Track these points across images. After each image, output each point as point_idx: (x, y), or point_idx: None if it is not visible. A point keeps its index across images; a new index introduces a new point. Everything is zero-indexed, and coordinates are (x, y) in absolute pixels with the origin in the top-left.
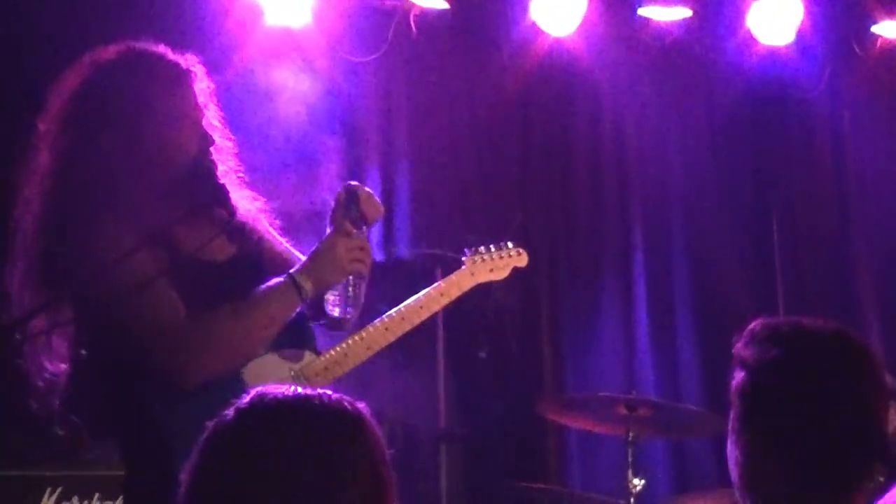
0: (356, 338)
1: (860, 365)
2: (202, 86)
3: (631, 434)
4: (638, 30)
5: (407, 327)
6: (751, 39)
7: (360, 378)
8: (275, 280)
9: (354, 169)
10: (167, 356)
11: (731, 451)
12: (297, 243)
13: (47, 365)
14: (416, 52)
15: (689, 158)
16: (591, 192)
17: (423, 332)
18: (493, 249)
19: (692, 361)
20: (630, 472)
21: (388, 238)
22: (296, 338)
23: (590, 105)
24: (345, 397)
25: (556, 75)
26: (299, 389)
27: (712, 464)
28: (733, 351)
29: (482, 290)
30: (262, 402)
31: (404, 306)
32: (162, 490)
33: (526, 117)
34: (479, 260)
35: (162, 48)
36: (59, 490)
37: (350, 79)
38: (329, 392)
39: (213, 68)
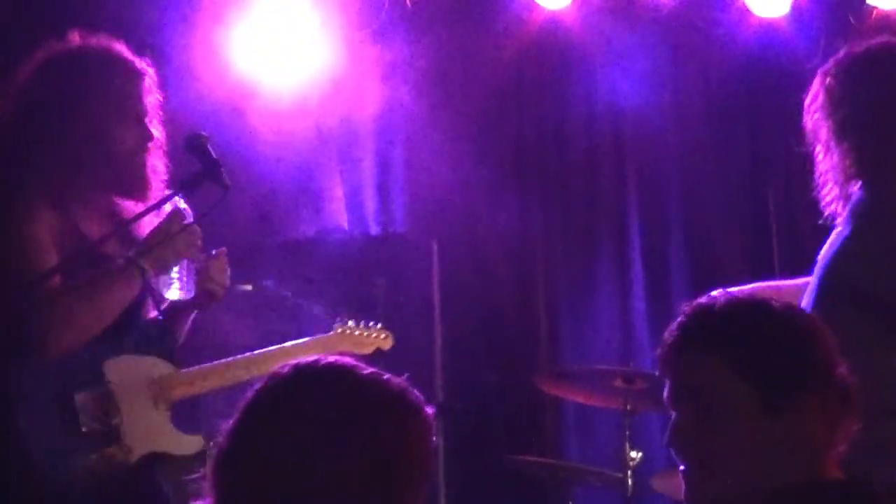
0: (220, 364)
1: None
2: (151, 92)
3: (628, 407)
4: (633, 2)
5: (265, 370)
6: (746, 12)
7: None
8: (117, 264)
9: (349, 146)
10: (32, 329)
11: None
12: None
13: None
14: (411, 27)
15: (685, 130)
16: (587, 164)
17: (419, 305)
18: (361, 325)
19: None
20: (627, 445)
21: (384, 213)
22: (161, 349)
23: (585, 77)
24: (413, 390)
25: (551, 49)
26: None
27: None
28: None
29: (478, 262)
30: (316, 364)
31: (272, 349)
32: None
33: (521, 90)
34: (348, 331)
35: (119, 46)
36: None
37: (345, 54)
38: (399, 379)
39: (205, 48)
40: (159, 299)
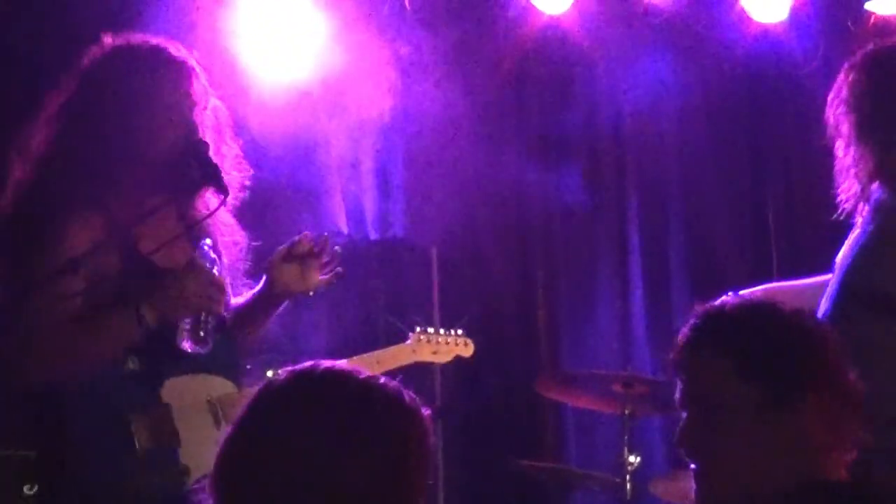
0: None
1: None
2: (194, 79)
3: (627, 411)
4: (632, 7)
5: None
6: (745, 17)
7: None
8: (123, 305)
9: (349, 149)
10: (9, 357)
11: None
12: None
13: None
14: (411, 32)
15: (685, 135)
16: (587, 168)
17: (418, 309)
18: (441, 333)
19: None
20: (626, 449)
21: (384, 217)
22: (224, 367)
23: (585, 82)
24: (409, 393)
25: (551, 53)
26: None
27: None
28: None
29: (477, 266)
30: (311, 370)
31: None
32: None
33: (522, 95)
34: (425, 340)
35: (159, 42)
36: None
37: (343, 58)
38: (394, 382)
39: (199, 45)
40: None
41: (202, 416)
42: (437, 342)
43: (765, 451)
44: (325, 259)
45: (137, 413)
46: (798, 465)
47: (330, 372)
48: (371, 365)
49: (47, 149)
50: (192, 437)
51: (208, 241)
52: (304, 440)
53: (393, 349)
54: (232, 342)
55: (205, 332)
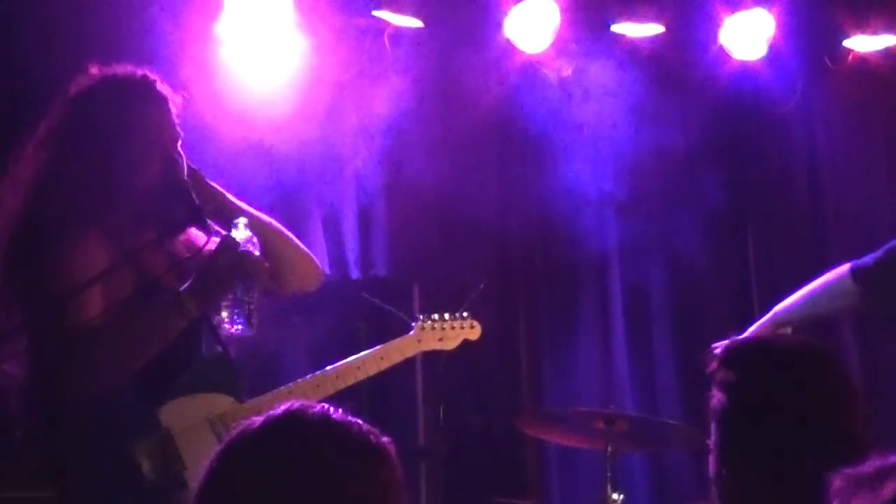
0: (283, 390)
1: (822, 370)
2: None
3: (609, 448)
4: (611, 45)
5: (340, 385)
6: (724, 54)
7: (338, 393)
8: (161, 301)
9: (330, 187)
10: (54, 373)
11: (715, 468)
12: None
13: (5, 365)
14: (391, 72)
15: (665, 173)
16: (568, 206)
17: None
18: (446, 318)
19: (670, 375)
20: (609, 487)
21: (365, 256)
22: (221, 384)
23: (564, 121)
24: (372, 430)
25: (530, 92)
26: (331, 412)
27: (691, 476)
28: (708, 372)
29: (459, 304)
30: (289, 417)
31: (341, 364)
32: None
33: (501, 133)
34: (429, 327)
35: (145, 73)
36: None
37: (324, 97)
38: (359, 422)
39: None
40: (220, 333)
41: (205, 436)
42: (443, 328)
43: None
44: None
45: (138, 442)
46: None
47: (294, 421)
48: (376, 360)
49: (40, 173)
50: (197, 458)
51: (243, 219)
52: (273, 495)
53: (397, 342)
54: (229, 360)
55: (238, 313)
